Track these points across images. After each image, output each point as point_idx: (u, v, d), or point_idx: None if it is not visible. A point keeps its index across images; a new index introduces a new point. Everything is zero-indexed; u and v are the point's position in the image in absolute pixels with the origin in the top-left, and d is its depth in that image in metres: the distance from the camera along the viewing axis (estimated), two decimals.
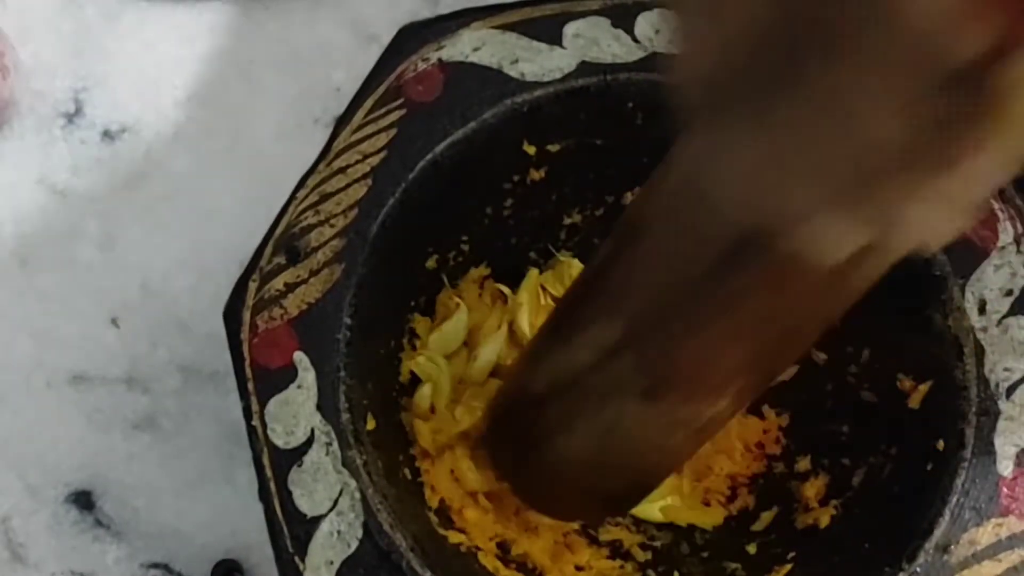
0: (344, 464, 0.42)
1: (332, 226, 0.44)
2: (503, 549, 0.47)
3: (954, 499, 0.42)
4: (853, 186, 0.27)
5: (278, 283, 0.44)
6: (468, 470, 0.48)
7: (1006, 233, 0.44)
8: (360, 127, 0.45)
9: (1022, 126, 0.23)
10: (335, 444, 0.42)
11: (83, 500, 0.54)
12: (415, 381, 0.50)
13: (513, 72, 0.46)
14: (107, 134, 0.59)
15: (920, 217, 0.27)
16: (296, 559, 0.41)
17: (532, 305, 0.51)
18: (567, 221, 0.51)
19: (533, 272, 0.52)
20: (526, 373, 0.44)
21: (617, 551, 0.50)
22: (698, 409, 0.40)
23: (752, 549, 0.48)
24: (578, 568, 0.49)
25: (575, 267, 0.52)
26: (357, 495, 0.42)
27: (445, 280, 0.50)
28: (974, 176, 0.26)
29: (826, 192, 0.27)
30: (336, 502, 0.42)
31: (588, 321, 0.40)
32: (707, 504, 0.51)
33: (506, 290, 0.52)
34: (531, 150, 0.47)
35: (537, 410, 0.43)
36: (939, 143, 0.25)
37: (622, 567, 0.49)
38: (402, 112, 0.45)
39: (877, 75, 0.24)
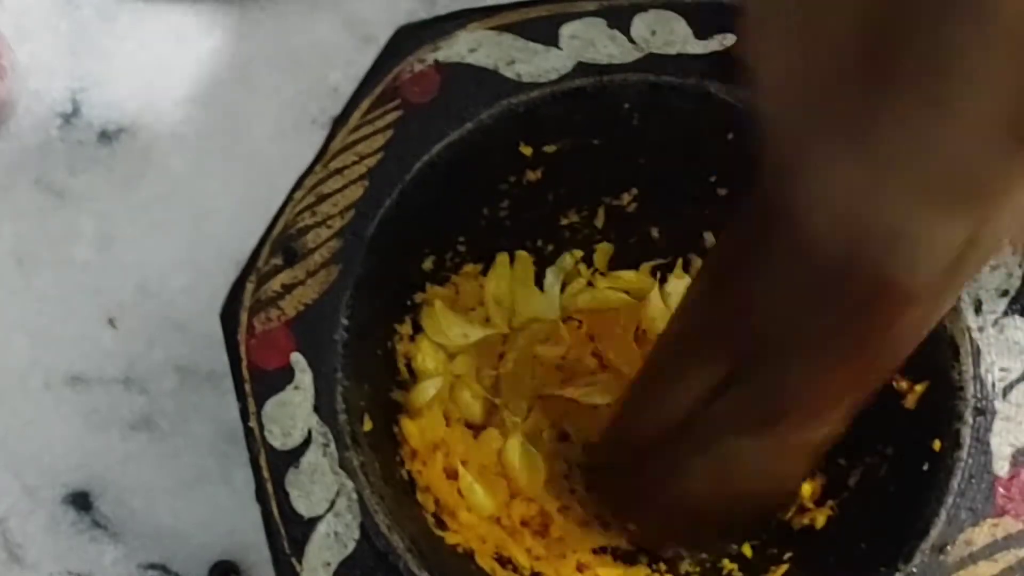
0: (341, 465, 0.42)
1: (329, 227, 0.44)
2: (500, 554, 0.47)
3: (950, 499, 0.42)
4: (952, 179, 0.26)
5: (275, 284, 0.44)
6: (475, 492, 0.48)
7: None
8: (357, 128, 0.45)
9: None
10: (332, 445, 0.42)
11: (80, 501, 0.54)
12: (414, 380, 0.50)
13: (509, 73, 0.46)
14: (104, 134, 0.59)
15: (1016, 201, 0.27)
16: (293, 560, 0.41)
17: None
18: (564, 222, 0.51)
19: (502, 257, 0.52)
20: (631, 419, 0.45)
21: (615, 553, 0.50)
22: (808, 434, 0.41)
23: (748, 550, 0.48)
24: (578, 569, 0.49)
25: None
26: (354, 496, 0.42)
27: (428, 280, 0.50)
28: None
29: (926, 192, 0.27)
30: (333, 503, 0.42)
31: (690, 363, 0.40)
32: None
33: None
34: (527, 151, 0.47)
35: (648, 455, 0.44)
36: None
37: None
38: (399, 113, 0.45)
39: (977, 63, 0.23)
